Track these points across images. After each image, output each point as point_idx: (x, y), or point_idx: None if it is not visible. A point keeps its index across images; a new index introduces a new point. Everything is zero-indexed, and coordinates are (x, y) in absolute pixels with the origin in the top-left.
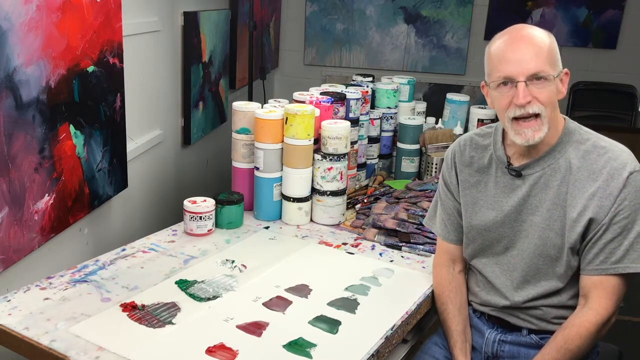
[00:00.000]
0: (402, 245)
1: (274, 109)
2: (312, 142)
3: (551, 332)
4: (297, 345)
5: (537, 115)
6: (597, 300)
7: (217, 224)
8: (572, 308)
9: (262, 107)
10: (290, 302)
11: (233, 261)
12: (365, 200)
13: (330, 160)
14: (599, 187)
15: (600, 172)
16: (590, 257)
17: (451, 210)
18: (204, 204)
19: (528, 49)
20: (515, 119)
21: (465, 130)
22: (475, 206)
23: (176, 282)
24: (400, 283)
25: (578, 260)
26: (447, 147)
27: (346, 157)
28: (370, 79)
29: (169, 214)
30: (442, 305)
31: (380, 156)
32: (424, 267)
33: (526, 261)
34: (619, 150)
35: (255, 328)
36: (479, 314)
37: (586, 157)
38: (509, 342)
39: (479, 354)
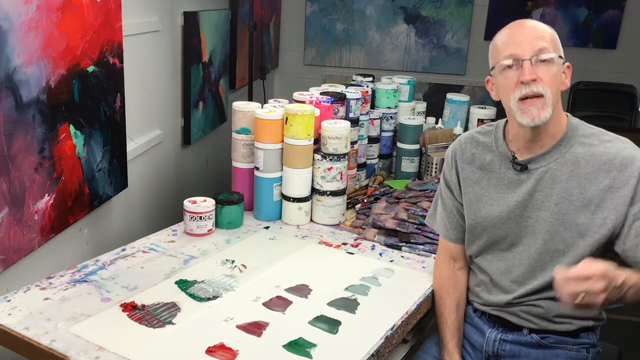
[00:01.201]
0: (402, 245)
1: (274, 109)
2: (312, 142)
3: (552, 331)
4: (297, 345)
5: (541, 96)
6: None
7: (217, 224)
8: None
9: (262, 107)
10: (290, 302)
11: (233, 261)
12: (365, 200)
13: (330, 160)
14: (615, 177)
15: (611, 162)
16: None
17: (450, 209)
18: (204, 204)
19: (533, 31)
20: (521, 99)
21: (465, 130)
22: (479, 203)
23: (176, 282)
24: (400, 283)
25: (593, 252)
26: (447, 147)
27: (346, 157)
28: (370, 79)
29: (169, 214)
30: (440, 299)
31: (380, 156)
32: (424, 267)
33: (533, 256)
34: (625, 142)
35: (255, 328)
36: (480, 313)
37: (593, 151)
38: (510, 341)
39: (479, 353)
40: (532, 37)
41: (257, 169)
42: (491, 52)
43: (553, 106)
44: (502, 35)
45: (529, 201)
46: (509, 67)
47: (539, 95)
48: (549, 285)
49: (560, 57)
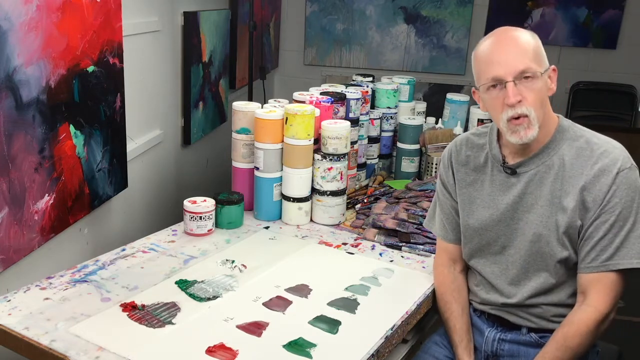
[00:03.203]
0: (402, 245)
1: (274, 109)
2: (312, 142)
3: (551, 331)
4: (297, 345)
5: (526, 116)
6: (596, 296)
7: (217, 224)
8: (572, 306)
9: (262, 107)
10: (290, 302)
11: (233, 261)
12: (365, 200)
13: (330, 160)
14: (590, 181)
15: (591, 167)
16: (583, 256)
17: (449, 209)
18: (204, 204)
19: (513, 49)
20: (509, 120)
21: (465, 130)
22: (472, 205)
23: (176, 282)
24: (400, 283)
25: (574, 256)
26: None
27: (346, 157)
28: (370, 79)
29: (169, 214)
30: (445, 305)
31: (380, 156)
32: (424, 267)
33: (524, 258)
34: (612, 147)
35: (255, 328)
36: (479, 313)
37: (580, 154)
38: (509, 340)
39: (478, 353)
40: (513, 56)
41: (257, 169)
42: (474, 65)
43: (539, 122)
44: (484, 51)
45: (519, 203)
46: (493, 86)
47: (524, 115)
48: (545, 289)
49: (545, 71)
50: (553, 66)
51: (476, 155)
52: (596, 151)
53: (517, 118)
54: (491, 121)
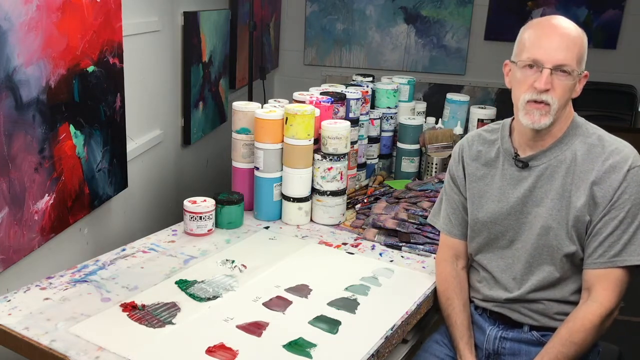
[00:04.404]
0: (402, 245)
1: (274, 109)
2: (312, 142)
3: (552, 329)
4: (297, 345)
5: (547, 104)
6: (601, 292)
7: (217, 224)
8: (574, 304)
9: (262, 107)
10: (290, 302)
11: (233, 261)
12: (365, 200)
13: (330, 160)
14: (601, 177)
15: (602, 164)
16: (590, 251)
17: (456, 204)
18: (204, 204)
19: (562, 40)
20: (529, 101)
21: (465, 130)
22: (482, 199)
23: (176, 282)
24: (400, 283)
25: (580, 252)
26: (447, 147)
27: (346, 157)
28: (370, 79)
29: (169, 214)
30: (447, 301)
31: (380, 156)
32: (424, 267)
33: (529, 252)
34: (623, 146)
35: (255, 328)
36: (481, 310)
37: (591, 150)
38: (510, 339)
39: (480, 351)
40: (560, 47)
41: (257, 169)
42: (519, 41)
43: (556, 114)
44: (534, 33)
45: (529, 197)
46: (530, 66)
47: (546, 103)
48: (548, 283)
49: (579, 73)
50: (587, 72)
51: (487, 150)
52: (607, 148)
53: (539, 103)
54: (493, 122)
